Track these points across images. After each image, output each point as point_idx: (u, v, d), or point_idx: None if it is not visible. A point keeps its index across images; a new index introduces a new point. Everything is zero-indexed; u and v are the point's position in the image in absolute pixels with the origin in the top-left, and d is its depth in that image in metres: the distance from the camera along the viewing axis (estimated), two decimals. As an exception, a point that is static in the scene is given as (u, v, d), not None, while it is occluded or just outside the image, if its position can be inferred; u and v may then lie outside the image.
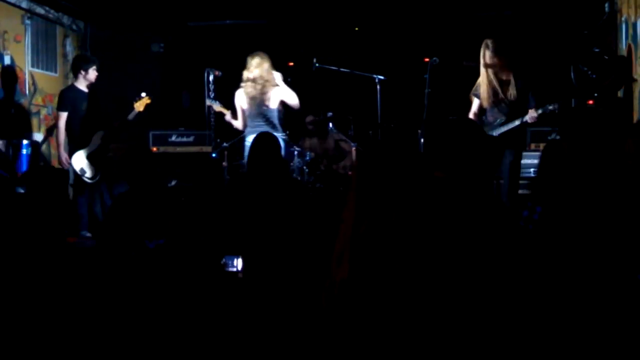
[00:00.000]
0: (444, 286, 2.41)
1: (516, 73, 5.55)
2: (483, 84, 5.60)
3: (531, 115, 5.38)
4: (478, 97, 5.68)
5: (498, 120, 5.57)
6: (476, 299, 2.42)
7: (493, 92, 5.56)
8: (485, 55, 5.54)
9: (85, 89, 6.59)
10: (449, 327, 2.37)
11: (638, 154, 3.28)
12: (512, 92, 5.51)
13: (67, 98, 6.60)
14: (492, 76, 5.54)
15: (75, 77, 6.65)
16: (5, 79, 7.01)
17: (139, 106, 6.57)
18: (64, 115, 6.52)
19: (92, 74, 6.59)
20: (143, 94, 6.63)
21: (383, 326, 2.41)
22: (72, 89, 6.65)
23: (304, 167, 6.85)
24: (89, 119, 6.55)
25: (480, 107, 5.69)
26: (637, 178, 3.17)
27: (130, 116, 6.58)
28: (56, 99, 7.95)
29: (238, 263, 4.17)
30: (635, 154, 3.29)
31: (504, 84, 5.56)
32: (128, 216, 3.68)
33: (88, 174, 6.53)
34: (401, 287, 2.41)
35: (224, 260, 4.18)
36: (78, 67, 6.64)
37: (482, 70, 5.59)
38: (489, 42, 5.55)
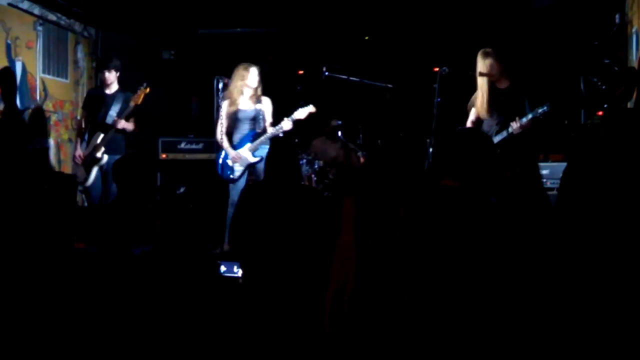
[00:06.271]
0: (458, 291, 2.42)
1: (515, 82, 5.47)
2: (479, 93, 5.52)
3: (514, 126, 5.19)
4: (474, 106, 5.56)
5: (492, 129, 5.42)
6: (486, 306, 2.42)
7: (488, 102, 5.45)
8: (484, 64, 5.44)
9: (105, 91, 6.47)
10: (463, 333, 2.38)
11: (608, 139, 3.35)
12: (505, 100, 5.38)
13: (87, 97, 6.73)
14: (487, 85, 5.45)
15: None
16: (19, 86, 7.05)
17: (136, 99, 6.32)
18: (84, 114, 6.59)
19: (102, 75, 6.56)
20: (142, 86, 6.36)
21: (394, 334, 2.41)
22: (94, 89, 6.71)
23: (312, 176, 6.84)
24: (98, 121, 6.41)
25: (478, 118, 5.55)
26: (608, 161, 3.25)
27: (125, 114, 6.33)
28: (66, 105, 7.99)
29: (237, 269, 4.09)
30: (605, 138, 3.36)
31: (499, 93, 5.46)
32: (116, 221, 3.68)
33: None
34: (416, 295, 2.41)
35: (222, 266, 4.13)
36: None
37: (479, 79, 5.47)
38: (488, 50, 5.46)
